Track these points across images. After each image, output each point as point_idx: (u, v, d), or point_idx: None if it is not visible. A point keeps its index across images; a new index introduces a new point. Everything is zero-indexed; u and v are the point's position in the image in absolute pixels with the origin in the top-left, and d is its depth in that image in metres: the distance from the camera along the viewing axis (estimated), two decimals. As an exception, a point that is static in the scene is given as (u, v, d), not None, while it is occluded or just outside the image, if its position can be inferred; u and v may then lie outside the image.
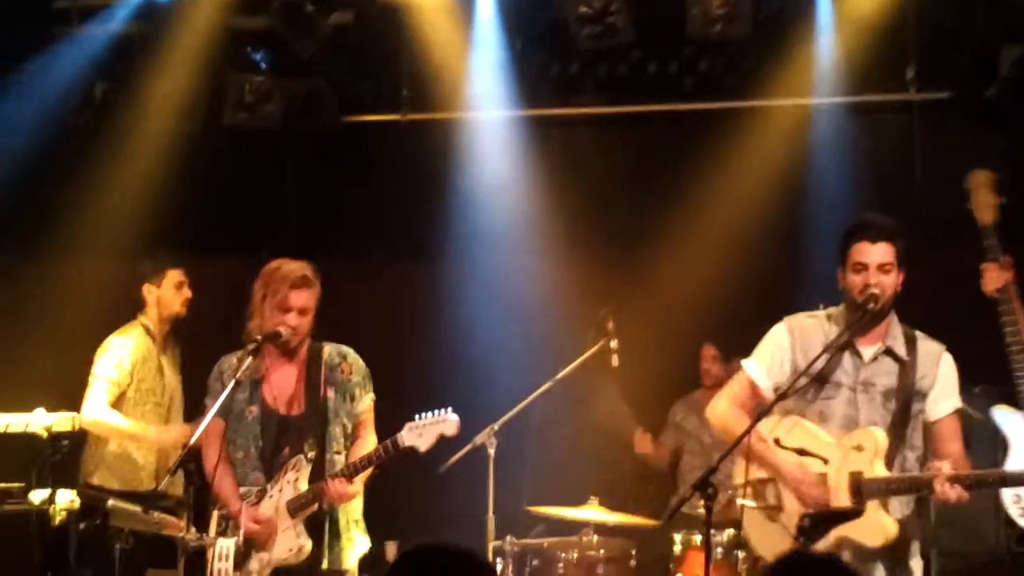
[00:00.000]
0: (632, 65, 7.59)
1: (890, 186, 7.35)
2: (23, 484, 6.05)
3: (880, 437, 4.65)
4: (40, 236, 7.65)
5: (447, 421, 5.03)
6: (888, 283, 4.71)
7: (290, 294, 5.14)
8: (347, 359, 5.34)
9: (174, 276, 6.54)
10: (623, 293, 7.11)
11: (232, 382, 5.09)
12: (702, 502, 4.50)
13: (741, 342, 6.96)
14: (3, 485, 5.99)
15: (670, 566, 6.21)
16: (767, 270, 7.23)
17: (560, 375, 6.17)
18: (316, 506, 5.12)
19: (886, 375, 4.75)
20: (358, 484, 5.16)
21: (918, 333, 4.82)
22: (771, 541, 4.74)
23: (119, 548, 5.62)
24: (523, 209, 7.62)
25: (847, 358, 4.75)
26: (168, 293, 6.51)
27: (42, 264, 7.68)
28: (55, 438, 5.74)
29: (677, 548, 6.19)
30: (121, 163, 7.77)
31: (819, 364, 4.66)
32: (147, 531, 5.79)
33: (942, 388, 4.79)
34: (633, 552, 6.09)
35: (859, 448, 4.63)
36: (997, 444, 5.75)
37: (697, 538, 6.10)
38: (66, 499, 5.92)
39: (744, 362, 4.97)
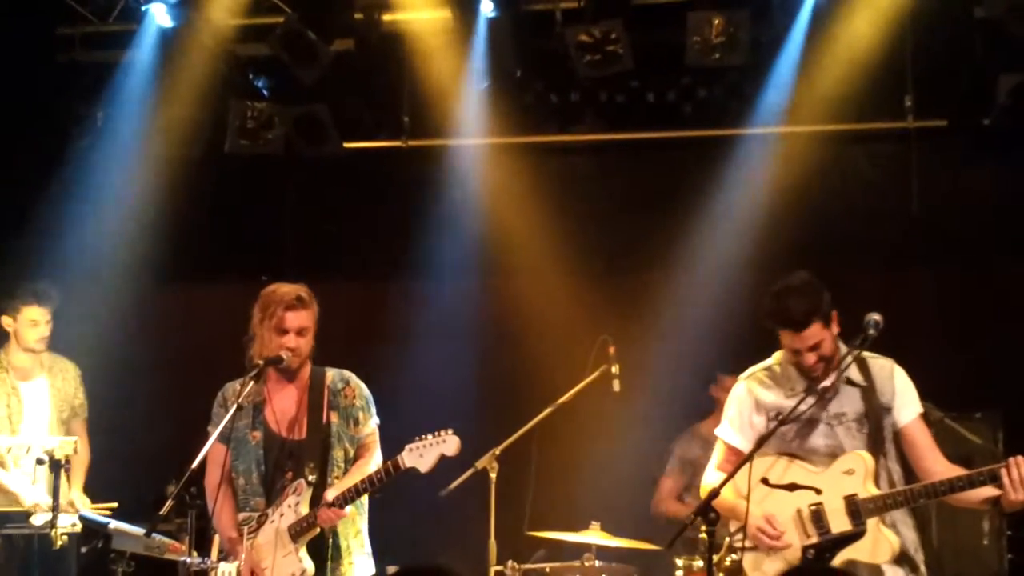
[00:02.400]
0: (631, 93, 7.64)
1: (887, 213, 7.40)
2: (24, 507, 6.05)
3: (867, 458, 4.70)
4: (37, 262, 7.67)
5: (447, 441, 5.05)
6: (825, 351, 4.73)
7: (286, 316, 5.17)
8: (349, 384, 5.36)
9: (28, 314, 6.42)
10: (622, 319, 7.12)
11: (234, 407, 5.09)
12: (704, 527, 4.53)
13: (739, 368, 7.06)
14: (5, 509, 5.98)
15: (673, 590, 6.21)
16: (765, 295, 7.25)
17: (561, 400, 6.18)
18: (317, 530, 5.12)
19: (851, 402, 4.80)
20: (350, 508, 5.15)
21: (865, 353, 4.83)
22: None
23: (120, 572, 5.60)
24: (523, 235, 7.65)
25: (810, 399, 4.76)
26: (23, 329, 6.41)
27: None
28: (56, 462, 5.72)
29: (679, 573, 6.19)
30: (122, 189, 7.81)
31: (796, 408, 4.70)
32: (148, 555, 5.78)
33: (902, 397, 4.83)
34: (634, 577, 6.09)
35: (850, 472, 4.68)
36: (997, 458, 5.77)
37: (699, 563, 6.11)
38: (68, 523, 5.91)
39: (717, 431, 5.00)
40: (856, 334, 4.76)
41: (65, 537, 5.91)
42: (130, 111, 7.74)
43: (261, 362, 5.17)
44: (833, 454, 4.74)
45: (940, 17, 7.14)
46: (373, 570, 5.38)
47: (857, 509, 4.63)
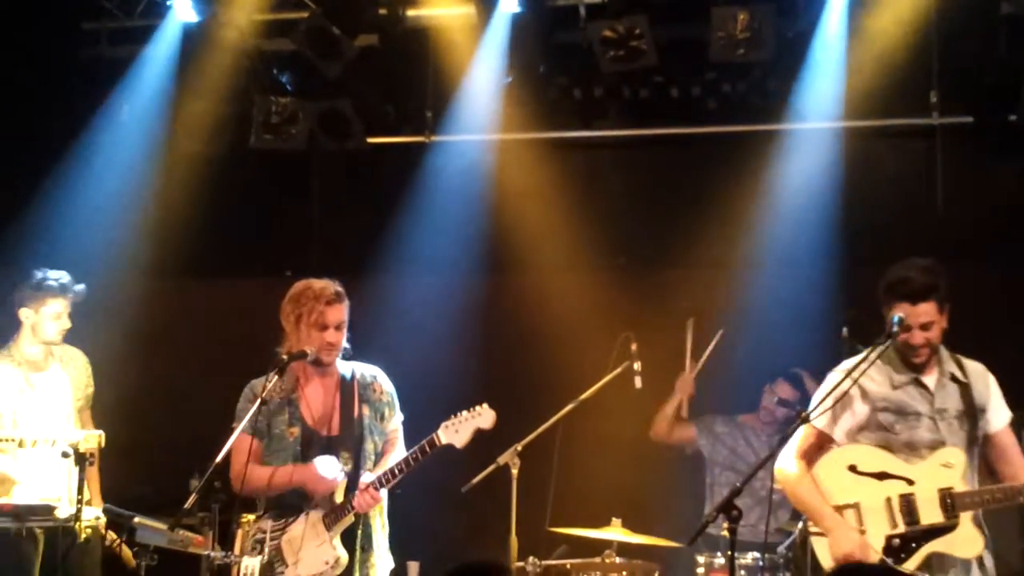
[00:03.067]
0: (655, 89, 7.62)
1: (913, 210, 7.36)
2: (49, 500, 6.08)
3: (962, 456, 4.75)
4: (63, 258, 7.71)
5: (483, 414, 5.13)
6: (933, 336, 4.81)
7: (326, 311, 5.22)
8: (377, 379, 5.43)
9: (53, 306, 6.31)
10: (644, 315, 7.13)
11: (258, 401, 5.11)
12: (726, 524, 4.53)
13: (762, 367, 7.06)
14: (29, 501, 6.01)
15: (695, 587, 6.21)
16: (788, 293, 7.24)
17: (583, 396, 6.18)
18: (351, 517, 5.16)
19: (952, 399, 4.84)
20: (385, 493, 5.21)
21: (958, 355, 4.93)
22: None
23: (144, 565, 5.63)
24: (546, 231, 7.65)
25: (915, 391, 4.84)
26: (44, 321, 6.30)
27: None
28: (82, 456, 5.74)
29: (700, 570, 6.19)
30: (147, 185, 7.84)
31: (845, 387, 4.76)
32: (172, 548, 5.81)
33: (996, 401, 4.91)
34: (656, 573, 6.09)
35: (948, 465, 4.73)
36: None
37: (720, 560, 6.11)
38: (92, 516, 5.94)
39: (805, 414, 4.87)
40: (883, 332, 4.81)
41: (89, 530, 5.94)
42: (154, 106, 7.77)
43: (285, 357, 5.20)
44: (935, 448, 4.77)
45: (966, 13, 7.10)
46: (392, 564, 5.41)
47: (953, 503, 4.67)
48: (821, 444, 4.92)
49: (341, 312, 5.27)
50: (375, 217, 7.77)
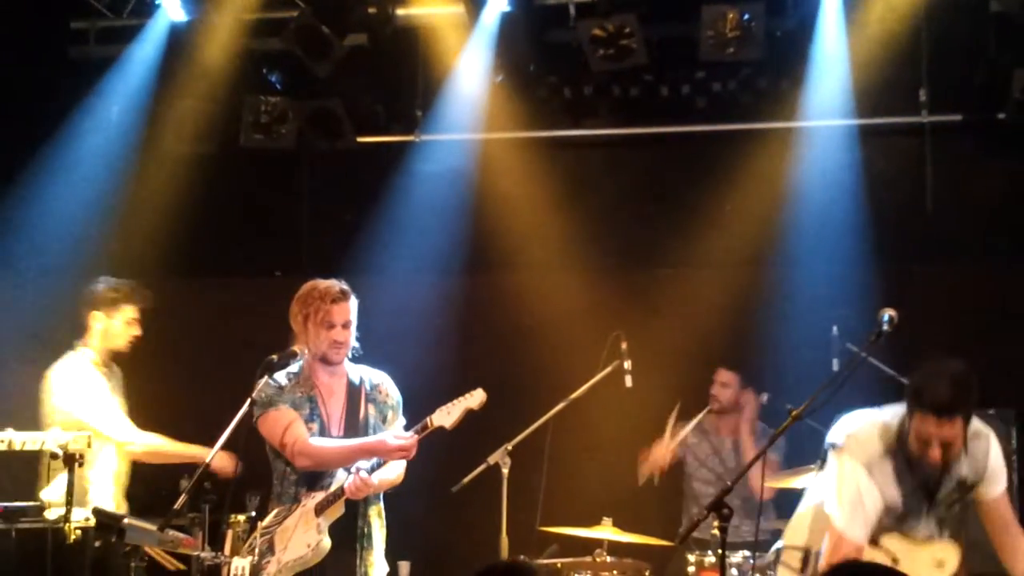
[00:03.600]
0: (645, 87, 7.63)
1: (902, 208, 7.38)
2: (38, 502, 6.07)
3: (955, 558, 4.63)
4: (52, 256, 7.69)
5: (473, 395, 5.15)
6: (955, 450, 4.50)
7: (332, 309, 5.26)
8: (383, 384, 5.47)
9: (127, 312, 6.33)
10: (635, 313, 7.13)
11: (247, 402, 5.12)
12: (716, 523, 4.53)
13: (752, 363, 7.06)
14: (18, 503, 6.00)
15: (684, 586, 6.21)
16: (778, 291, 7.25)
17: (574, 395, 6.18)
18: (342, 506, 5.16)
19: (952, 489, 4.67)
20: (377, 482, 5.22)
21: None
22: None
23: (134, 566, 5.61)
24: (537, 230, 7.65)
25: (919, 494, 4.62)
26: (117, 328, 6.33)
27: (54, 283, 7.70)
28: (70, 457, 5.73)
29: (691, 569, 6.19)
30: (136, 184, 7.83)
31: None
32: (162, 549, 5.79)
33: (993, 474, 4.68)
34: (647, 573, 6.09)
35: (939, 563, 4.62)
36: (1010, 467, 5.76)
37: (711, 559, 6.11)
38: (81, 517, 5.93)
39: (838, 523, 4.61)
40: (872, 330, 4.79)
41: (79, 531, 5.92)
42: (143, 106, 7.75)
43: (274, 357, 5.20)
44: (930, 539, 4.65)
45: (955, 11, 7.13)
46: (387, 569, 5.41)
47: None
48: (859, 553, 4.60)
49: (347, 311, 5.30)
50: (365, 216, 7.76)
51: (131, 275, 7.74)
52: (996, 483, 4.70)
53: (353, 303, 5.35)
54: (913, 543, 4.66)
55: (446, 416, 5.13)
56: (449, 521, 6.95)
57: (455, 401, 5.17)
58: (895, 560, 4.59)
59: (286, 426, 5.19)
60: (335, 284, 5.34)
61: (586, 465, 7.16)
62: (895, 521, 4.64)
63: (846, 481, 4.61)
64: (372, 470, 5.18)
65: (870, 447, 4.62)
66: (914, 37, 7.13)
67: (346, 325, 5.31)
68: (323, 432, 5.29)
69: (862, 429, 4.65)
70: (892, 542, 4.65)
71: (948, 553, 4.66)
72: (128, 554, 5.55)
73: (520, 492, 5.88)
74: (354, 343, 5.38)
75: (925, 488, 4.63)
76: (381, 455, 5.18)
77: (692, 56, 7.25)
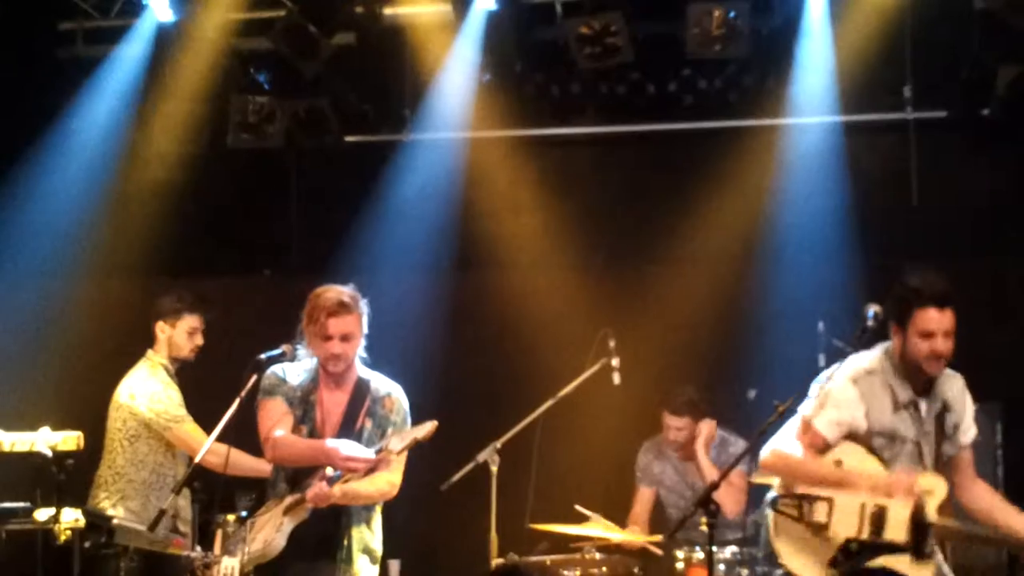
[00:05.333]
0: (632, 85, 7.65)
1: (887, 204, 7.41)
2: (28, 503, 6.08)
3: (944, 487, 4.75)
4: (42, 257, 7.70)
5: (423, 427, 5.04)
6: (951, 348, 4.75)
7: (328, 322, 5.14)
8: (391, 395, 5.31)
9: (189, 322, 6.28)
10: (622, 311, 7.15)
11: (237, 401, 5.11)
12: (704, 519, 4.56)
13: (738, 362, 7.09)
14: (8, 504, 6.01)
15: (672, 583, 6.23)
16: (765, 287, 7.28)
17: (562, 393, 6.21)
18: (306, 510, 5.07)
19: (936, 421, 4.85)
20: (339, 493, 5.07)
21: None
22: (805, 556, 4.79)
23: (124, 567, 5.62)
24: (524, 228, 7.68)
25: (909, 415, 4.83)
26: (180, 337, 6.28)
27: (45, 284, 7.71)
28: (60, 457, 5.74)
29: (679, 565, 6.21)
30: (125, 184, 7.83)
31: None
32: (152, 550, 5.80)
33: (968, 417, 4.92)
34: (635, 569, 6.10)
35: (927, 492, 4.73)
36: (996, 460, 5.81)
37: (699, 555, 6.14)
38: (71, 518, 5.94)
39: (809, 415, 4.85)
40: (858, 326, 4.83)
41: (68, 532, 5.94)
42: (132, 106, 7.75)
43: (262, 357, 5.19)
44: (919, 470, 4.78)
45: (940, 8, 7.16)
46: (376, 571, 5.39)
47: (923, 529, 4.67)
48: (821, 443, 4.86)
49: (346, 324, 5.14)
50: (353, 215, 7.77)
51: (120, 275, 7.81)
52: (972, 427, 4.91)
53: (358, 315, 5.19)
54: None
55: (399, 443, 5.04)
56: (439, 519, 6.97)
57: (408, 430, 5.08)
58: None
59: (271, 417, 5.14)
60: (339, 295, 5.17)
61: (575, 462, 7.18)
62: (887, 442, 4.77)
63: (828, 385, 4.81)
64: (333, 480, 5.05)
65: (856, 363, 4.82)
66: (899, 34, 7.16)
67: (345, 338, 5.15)
68: (312, 435, 5.21)
69: (847, 360, 4.83)
70: (882, 474, 4.76)
71: (936, 483, 4.76)
72: (118, 555, 5.57)
73: (509, 490, 5.91)
74: (361, 353, 5.26)
75: (914, 405, 4.78)
76: (330, 462, 5.06)
77: (678, 54, 7.27)
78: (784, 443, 4.88)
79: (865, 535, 4.72)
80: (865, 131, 7.49)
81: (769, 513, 4.89)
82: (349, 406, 5.26)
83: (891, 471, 4.78)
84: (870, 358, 4.86)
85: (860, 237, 7.24)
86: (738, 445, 6.55)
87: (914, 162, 7.38)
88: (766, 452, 4.91)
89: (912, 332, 4.73)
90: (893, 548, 4.70)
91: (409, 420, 5.30)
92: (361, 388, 5.30)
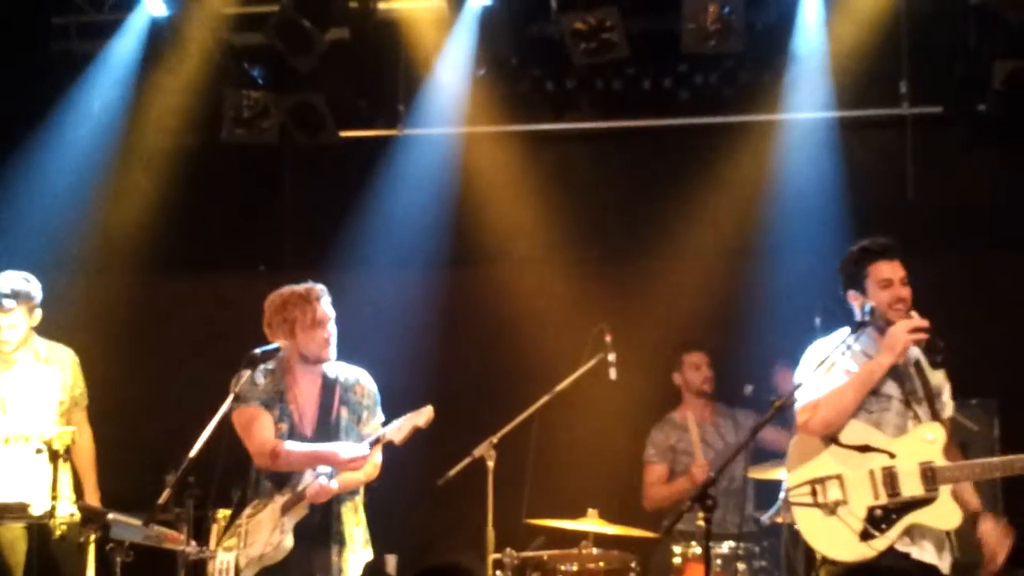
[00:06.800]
0: (627, 81, 7.63)
1: (883, 200, 7.40)
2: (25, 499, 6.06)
3: (942, 432, 4.86)
4: (35, 252, 7.66)
5: (421, 412, 5.12)
6: (910, 294, 4.94)
7: (318, 307, 5.29)
8: (360, 381, 5.44)
9: None
10: (618, 306, 7.15)
11: (231, 396, 5.12)
12: (701, 514, 4.56)
13: (734, 358, 7.09)
14: (3, 500, 5.98)
15: (669, 578, 6.23)
16: (761, 282, 7.27)
17: (558, 388, 6.20)
18: (305, 507, 5.17)
19: (919, 383, 4.95)
20: (336, 484, 5.20)
21: None
22: (832, 536, 4.82)
23: (120, 561, 5.61)
24: (520, 224, 7.66)
25: (888, 374, 4.91)
26: None
27: (37, 279, 7.68)
28: (55, 452, 5.72)
29: (677, 560, 6.22)
30: (118, 179, 7.80)
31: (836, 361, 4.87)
32: (148, 544, 5.79)
33: (948, 391, 5.06)
34: (633, 564, 6.09)
35: (928, 440, 4.83)
36: (993, 455, 5.81)
37: (696, 550, 6.13)
38: (66, 512, 5.92)
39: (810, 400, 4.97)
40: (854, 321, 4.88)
41: (64, 527, 5.92)
42: (124, 101, 7.72)
43: (257, 352, 5.19)
44: (900, 433, 4.86)
45: (935, 3, 7.16)
46: (370, 557, 5.42)
47: (934, 475, 4.77)
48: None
49: (329, 306, 5.35)
50: (348, 211, 7.75)
51: (114, 270, 7.78)
52: (951, 401, 5.04)
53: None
54: (896, 430, 4.87)
55: (397, 432, 5.12)
56: (435, 514, 6.95)
57: (406, 416, 5.15)
58: (892, 454, 4.81)
59: (252, 424, 5.22)
60: (310, 284, 5.36)
61: (571, 457, 7.17)
62: (870, 398, 4.86)
63: (804, 360, 4.99)
64: (332, 476, 5.17)
65: (836, 335, 4.98)
66: (894, 29, 7.15)
67: (334, 321, 5.33)
68: (292, 432, 5.30)
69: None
70: (881, 440, 4.84)
71: (933, 429, 4.86)
72: (114, 550, 5.56)
73: (506, 485, 5.90)
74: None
75: (893, 367, 4.89)
76: (332, 465, 5.18)
77: (674, 49, 7.26)
78: (810, 392, 4.92)
79: (884, 499, 4.78)
80: (861, 127, 7.48)
81: (793, 511, 4.91)
82: (322, 398, 5.35)
83: (883, 431, 4.85)
84: (837, 334, 4.99)
85: (856, 232, 7.20)
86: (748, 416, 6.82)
87: (910, 157, 7.38)
88: (801, 410, 4.91)
89: (872, 288, 4.93)
90: (915, 503, 4.76)
91: (379, 402, 5.43)
92: (329, 379, 5.39)
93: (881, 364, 4.86)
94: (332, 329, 5.33)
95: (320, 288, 5.35)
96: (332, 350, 5.35)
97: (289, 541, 5.15)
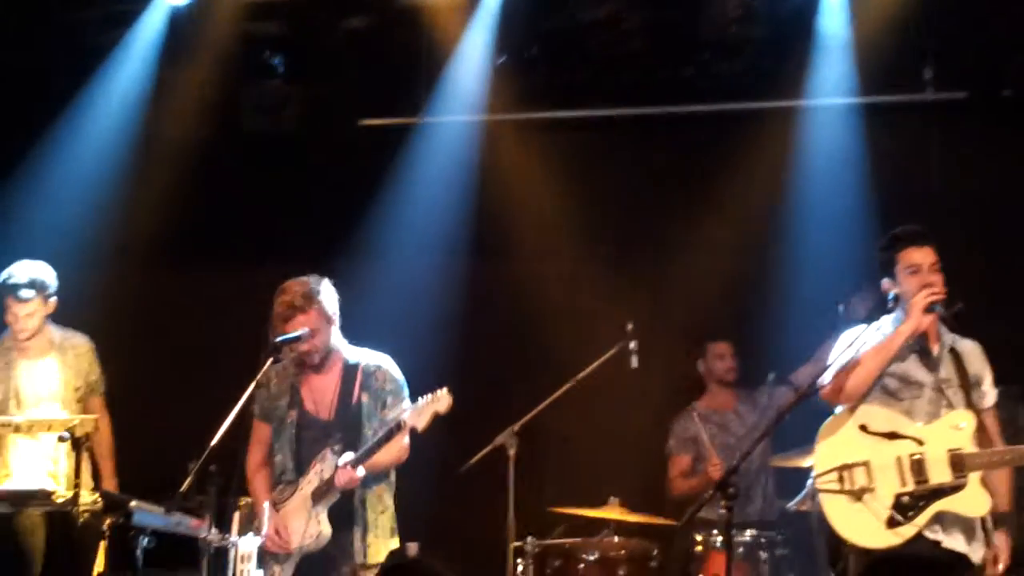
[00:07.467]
0: (646, 68, 7.59)
1: (907, 186, 7.35)
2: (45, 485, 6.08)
3: (972, 419, 4.85)
4: (56, 243, 7.67)
5: (440, 399, 5.13)
6: (941, 280, 4.94)
7: (284, 328, 5.25)
8: (381, 367, 5.44)
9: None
10: (640, 294, 7.13)
11: (252, 384, 5.14)
12: (724, 502, 4.54)
13: (757, 346, 7.06)
14: (27, 487, 6.01)
15: (691, 566, 6.21)
16: (784, 271, 7.24)
17: (580, 376, 6.18)
18: (336, 494, 5.23)
19: (953, 370, 4.95)
20: (363, 471, 5.22)
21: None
22: (859, 523, 4.81)
23: (142, 548, 5.62)
24: (540, 211, 7.64)
25: (918, 361, 4.95)
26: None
27: (57, 271, 7.68)
28: (77, 440, 5.73)
29: (698, 548, 6.20)
30: (138, 171, 7.81)
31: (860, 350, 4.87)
32: (169, 531, 5.80)
33: (989, 379, 5.05)
34: (654, 552, 6.09)
35: (958, 427, 4.82)
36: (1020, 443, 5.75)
37: (718, 538, 6.11)
38: (89, 499, 5.94)
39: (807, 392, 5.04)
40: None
41: (87, 514, 5.94)
42: (142, 91, 7.72)
43: (277, 340, 5.21)
44: (938, 416, 4.87)
45: (958, -11, 7.10)
46: (396, 545, 5.47)
47: (962, 463, 4.76)
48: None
49: (301, 323, 5.25)
50: (368, 199, 7.75)
51: (133, 263, 7.78)
52: (992, 389, 5.03)
53: (311, 313, 5.26)
54: (929, 417, 4.87)
55: (416, 417, 5.12)
56: (457, 502, 6.94)
57: (425, 403, 5.13)
58: (920, 441, 4.82)
59: (250, 441, 5.44)
60: (292, 298, 5.25)
61: (592, 445, 7.16)
62: (902, 385, 4.89)
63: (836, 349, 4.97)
64: (358, 462, 5.19)
65: (857, 329, 4.99)
66: (918, 15, 7.09)
67: (312, 334, 5.27)
68: (303, 419, 5.37)
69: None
70: (909, 427, 4.85)
71: (965, 417, 4.85)
72: (135, 536, 5.57)
73: (527, 473, 5.89)
74: (333, 343, 5.37)
75: (923, 350, 4.92)
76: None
77: (695, 36, 7.22)
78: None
79: (911, 486, 4.78)
80: (885, 113, 7.43)
81: (820, 499, 4.90)
82: (342, 385, 5.38)
83: (914, 418, 4.85)
84: (871, 322, 5.01)
85: (879, 219, 7.17)
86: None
87: (934, 143, 7.33)
88: (826, 383, 4.92)
89: (902, 275, 4.94)
90: (943, 490, 4.75)
91: (404, 388, 5.42)
92: (350, 365, 5.40)
93: (901, 332, 4.86)
94: (304, 346, 5.26)
95: (294, 305, 5.24)
96: (313, 357, 5.33)
97: (327, 529, 5.23)
